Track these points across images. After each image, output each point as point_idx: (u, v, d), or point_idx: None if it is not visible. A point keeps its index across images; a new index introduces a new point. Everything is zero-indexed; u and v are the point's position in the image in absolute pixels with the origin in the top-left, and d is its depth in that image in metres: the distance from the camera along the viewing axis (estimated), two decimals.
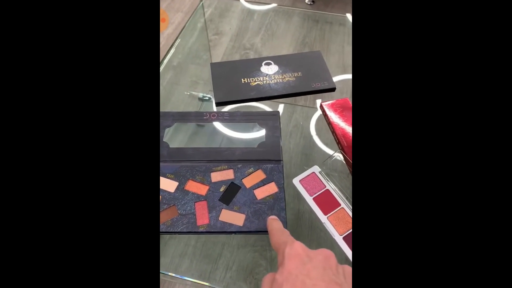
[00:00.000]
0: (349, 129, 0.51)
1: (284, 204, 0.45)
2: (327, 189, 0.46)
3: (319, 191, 0.46)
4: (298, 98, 0.58)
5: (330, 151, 0.52)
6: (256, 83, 0.55)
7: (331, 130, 0.52)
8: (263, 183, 0.47)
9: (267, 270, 0.46)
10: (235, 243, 0.47)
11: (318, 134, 0.55)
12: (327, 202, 0.45)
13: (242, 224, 0.44)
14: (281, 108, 0.59)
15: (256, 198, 0.46)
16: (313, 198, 0.46)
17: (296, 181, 0.48)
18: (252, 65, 0.58)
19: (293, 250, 0.30)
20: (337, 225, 0.43)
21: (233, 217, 0.45)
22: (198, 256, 0.46)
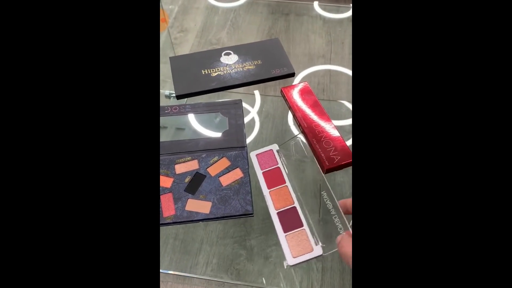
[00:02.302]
0: (308, 111, 0.52)
1: (250, 188, 0.46)
2: (278, 167, 0.47)
3: (270, 167, 0.47)
4: (268, 88, 0.59)
5: (303, 139, 0.53)
6: (216, 73, 0.56)
7: (292, 113, 0.53)
8: (228, 170, 0.48)
9: (248, 260, 0.46)
10: (214, 236, 0.48)
11: (290, 122, 0.56)
12: (274, 178, 0.46)
13: (208, 211, 0.45)
14: (257, 97, 0.59)
15: (222, 185, 0.47)
16: (263, 172, 0.47)
17: (253, 154, 0.49)
18: (212, 56, 0.58)
19: None
20: (276, 200, 0.44)
21: (199, 206, 0.45)
22: (177, 253, 0.47)
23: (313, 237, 0.40)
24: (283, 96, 0.55)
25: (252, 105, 0.59)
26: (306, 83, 0.55)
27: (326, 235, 0.40)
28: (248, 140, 0.54)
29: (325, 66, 0.71)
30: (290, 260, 0.39)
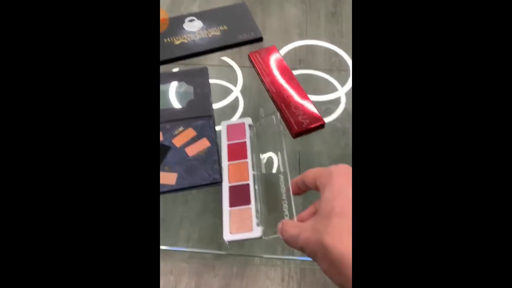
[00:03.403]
0: (276, 76, 0.50)
1: (217, 157, 0.45)
2: (245, 142, 0.45)
3: (237, 140, 0.45)
4: (245, 59, 0.56)
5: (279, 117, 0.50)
6: (180, 41, 0.53)
7: (260, 79, 0.51)
8: (194, 140, 0.46)
9: None
10: (194, 213, 0.46)
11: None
12: (237, 152, 0.44)
13: (174, 183, 0.43)
14: (239, 75, 0.56)
15: (188, 155, 0.45)
16: (228, 144, 0.45)
17: (224, 124, 0.47)
18: (174, 24, 0.55)
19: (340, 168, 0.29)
20: (232, 174, 0.43)
21: (164, 178, 0.43)
22: None
23: (256, 218, 0.39)
24: (251, 62, 0.52)
25: (233, 83, 0.56)
26: (274, 46, 0.53)
27: (271, 219, 0.39)
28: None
29: (301, 38, 0.69)
30: (227, 236, 0.38)
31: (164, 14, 0.57)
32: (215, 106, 0.51)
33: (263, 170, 0.44)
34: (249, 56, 0.52)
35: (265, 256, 0.44)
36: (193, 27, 0.55)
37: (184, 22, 0.56)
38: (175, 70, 0.53)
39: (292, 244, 0.29)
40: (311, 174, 0.32)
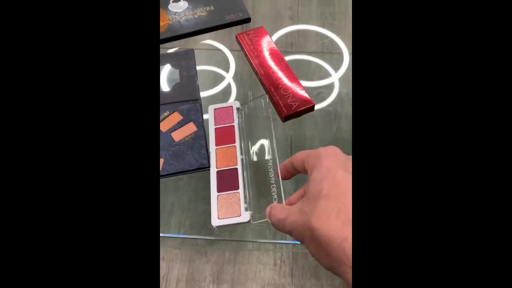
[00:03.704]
0: (265, 58, 0.48)
1: (205, 142, 0.43)
2: (232, 126, 0.44)
3: (224, 124, 0.44)
4: (235, 43, 0.54)
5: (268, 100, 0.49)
6: (164, 22, 0.51)
7: (248, 61, 0.49)
8: (180, 124, 0.45)
9: None
10: (186, 199, 0.45)
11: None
12: (225, 136, 0.43)
13: (161, 168, 0.42)
14: (231, 60, 0.55)
15: (174, 140, 0.44)
16: (215, 128, 0.44)
17: (211, 107, 0.46)
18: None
19: (329, 150, 0.29)
20: (220, 159, 0.42)
21: None
22: None
23: (245, 203, 0.38)
24: (239, 43, 0.51)
25: (223, 67, 0.54)
26: (263, 27, 0.51)
27: (260, 204, 0.38)
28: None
29: (292, 21, 0.67)
30: (215, 221, 0.38)
31: (164, 14, 0.54)
32: (207, 93, 0.50)
33: (252, 155, 0.43)
34: (236, 37, 0.51)
35: (258, 241, 0.44)
36: (179, 8, 0.53)
37: (169, 2, 0.53)
38: (169, 51, 0.51)
39: (280, 228, 0.29)
40: (299, 156, 0.31)
